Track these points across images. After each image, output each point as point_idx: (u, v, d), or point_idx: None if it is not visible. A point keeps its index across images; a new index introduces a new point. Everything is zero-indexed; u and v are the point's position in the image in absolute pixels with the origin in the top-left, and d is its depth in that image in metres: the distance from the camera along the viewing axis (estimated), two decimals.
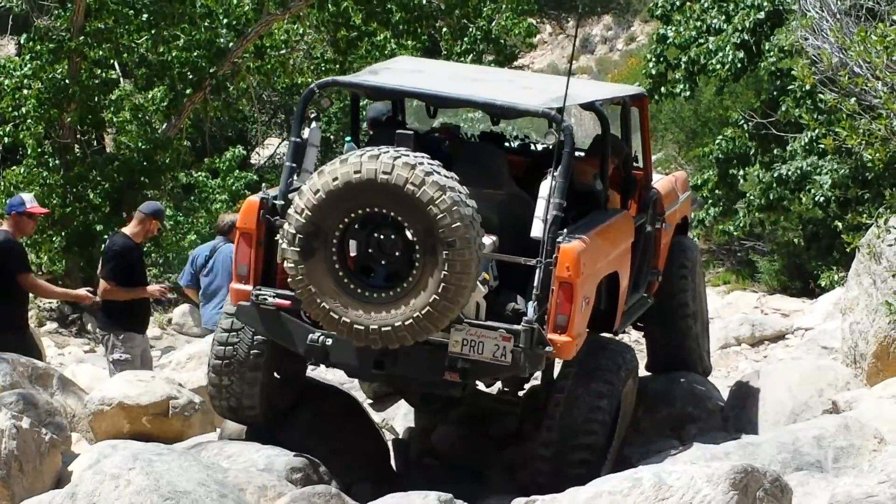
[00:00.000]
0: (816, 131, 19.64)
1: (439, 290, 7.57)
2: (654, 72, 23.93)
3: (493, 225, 8.27)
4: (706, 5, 23.73)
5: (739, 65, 22.69)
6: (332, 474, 8.65)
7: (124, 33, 20.99)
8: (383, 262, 7.81)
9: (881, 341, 10.01)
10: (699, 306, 11.13)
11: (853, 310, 10.63)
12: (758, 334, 18.10)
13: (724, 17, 23.30)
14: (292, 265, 7.75)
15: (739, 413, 10.26)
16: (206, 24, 21.76)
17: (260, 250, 8.42)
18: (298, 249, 7.70)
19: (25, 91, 20.30)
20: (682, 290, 10.72)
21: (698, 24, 23.58)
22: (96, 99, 21.08)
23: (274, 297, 8.30)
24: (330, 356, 8.22)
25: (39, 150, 20.40)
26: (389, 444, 9.94)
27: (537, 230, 8.07)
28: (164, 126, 21.71)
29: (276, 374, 8.94)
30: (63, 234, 20.45)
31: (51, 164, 20.46)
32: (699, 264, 11.33)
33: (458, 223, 7.50)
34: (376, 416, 10.00)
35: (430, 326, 7.70)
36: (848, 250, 9.90)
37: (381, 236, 7.78)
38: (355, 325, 7.73)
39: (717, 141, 23.89)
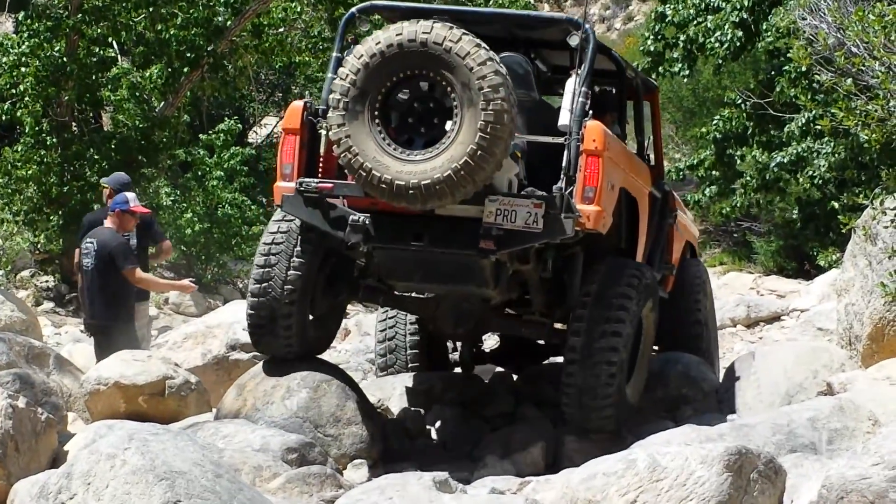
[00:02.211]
0: (813, 112, 19.63)
1: (477, 140, 8.05)
2: (651, 49, 23.89)
3: (521, 128, 8.76)
4: None
5: (738, 44, 22.65)
6: (328, 455, 8.67)
7: (122, 11, 20.91)
8: (422, 130, 8.31)
9: (876, 323, 10.02)
10: (710, 323, 11.69)
11: (848, 291, 10.63)
12: (753, 315, 18.15)
13: None
14: (336, 129, 8.24)
15: (734, 394, 10.26)
16: (203, 2, 21.69)
17: (303, 151, 8.94)
18: (343, 112, 8.21)
19: (23, 69, 20.21)
20: (696, 307, 11.26)
21: (697, 2, 23.53)
22: (94, 77, 21.03)
23: (317, 183, 8.71)
24: (371, 234, 8.59)
25: (37, 128, 20.34)
26: (385, 424, 9.95)
27: (565, 118, 8.70)
28: (161, 104, 21.66)
29: (310, 313, 9.26)
30: (60, 212, 20.42)
31: (48, 142, 20.40)
32: (708, 284, 11.86)
33: (494, 75, 8.04)
34: (372, 397, 10.01)
35: (468, 178, 8.13)
36: (844, 231, 9.90)
37: (421, 102, 8.32)
38: (396, 182, 8.17)
39: (715, 121, 23.87)
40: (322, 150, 8.94)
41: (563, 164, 8.60)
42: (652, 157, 10.63)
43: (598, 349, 8.77)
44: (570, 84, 8.86)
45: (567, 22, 9.18)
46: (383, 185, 8.20)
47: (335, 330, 9.97)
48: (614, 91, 10.27)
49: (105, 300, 11.08)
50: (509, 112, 8.10)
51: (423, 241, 8.64)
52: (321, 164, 8.98)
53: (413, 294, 9.76)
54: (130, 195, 11.52)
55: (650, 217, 10.05)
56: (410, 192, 8.17)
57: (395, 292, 9.68)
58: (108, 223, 11.37)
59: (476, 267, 8.74)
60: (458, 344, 11.05)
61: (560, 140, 8.68)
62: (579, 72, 8.76)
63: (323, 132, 8.77)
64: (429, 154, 8.17)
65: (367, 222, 8.55)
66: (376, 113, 8.23)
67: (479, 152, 8.05)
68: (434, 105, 8.30)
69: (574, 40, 8.76)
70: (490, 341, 12.50)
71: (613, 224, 9.02)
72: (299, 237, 9.03)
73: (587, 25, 8.87)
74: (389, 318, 11.19)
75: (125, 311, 11.23)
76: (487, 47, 8.16)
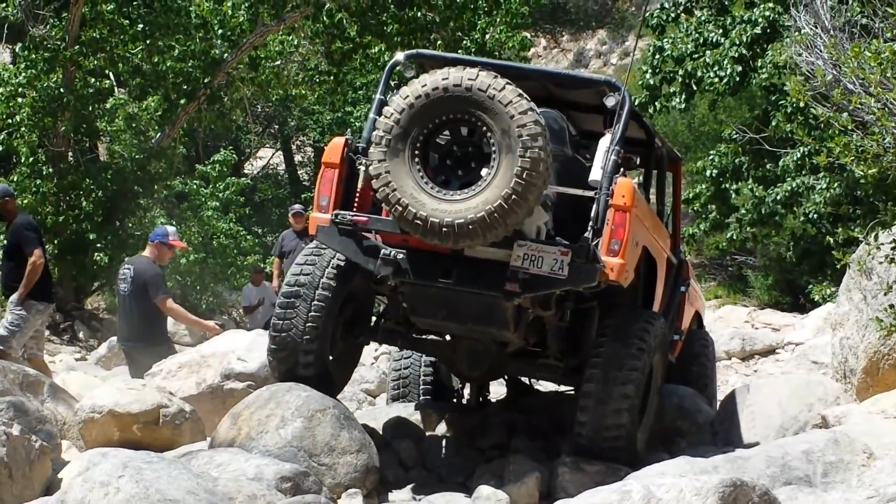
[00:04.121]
0: (809, 147, 19.69)
1: (512, 185, 8.24)
2: (650, 82, 23.95)
3: (552, 180, 8.91)
4: (703, 19, 23.76)
5: (737, 78, 22.73)
6: (322, 484, 8.65)
7: (119, 43, 21.02)
8: (459, 172, 8.52)
9: (871, 357, 10.03)
10: (713, 389, 12.02)
11: (843, 325, 10.65)
12: (748, 348, 18.16)
13: (721, 31, 23.35)
14: (377, 164, 8.43)
15: (729, 427, 10.28)
16: (200, 34, 21.80)
17: (340, 185, 9.15)
18: (385, 149, 8.42)
19: (20, 99, 20.29)
20: (701, 364, 11.70)
21: (695, 36, 23.61)
22: (90, 108, 21.10)
23: (352, 216, 8.95)
24: (400, 268, 8.79)
25: (33, 158, 20.41)
26: (379, 453, 9.93)
27: (596, 174, 8.92)
28: (157, 136, 21.71)
29: (331, 353, 9.45)
30: (56, 242, 20.46)
31: (44, 173, 20.46)
32: (713, 355, 12.24)
33: (534, 125, 8.25)
34: (367, 427, 9.99)
35: (500, 221, 8.30)
36: (838, 267, 9.92)
37: (460, 145, 8.54)
38: (431, 219, 8.34)
39: (710, 156, 23.93)
40: (359, 187, 9.13)
41: (592, 216, 8.79)
42: (671, 224, 10.96)
43: (614, 390, 8.92)
44: (603, 142, 9.09)
45: (605, 84, 9.43)
46: (418, 222, 8.37)
47: (352, 370, 10.19)
48: (639, 159, 10.50)
49: (139, 324, 11.93)
50: (545, 161, 8.26)
51: (451, 279, 8.80)
52: (357, 200, 9.18)
53: (431, 337, 9.91)
54: (171, 229, 12.27)
55: (665, 281, 10.28)
56: (444, 230, 8.34)
57: (414, 334, 9.85)
58: (146, 252, 12.15)
59: (499, 309, 8.90)
60: (468, 388, 11.27)
61: (590, 193, 8.88)
62: (613, 131, 9.02)
63: (361, 169, 8.96)
64: (464, 195, 8.35)
65: (397, 256, 8.75)
66: (416, 152, 8.42)
67: (513, 197, 8.23)
68: (472, 149, 8.50)
69: (610, 101, 9.04)
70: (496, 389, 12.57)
71: (632, 282, 9.18)
72: (324, 275, 9.24)
73: (624, 89, 9.12)
74: (405, 353, 11.40)
75: (158, 334, 12.09)
76: (529, 98, 8.36)
